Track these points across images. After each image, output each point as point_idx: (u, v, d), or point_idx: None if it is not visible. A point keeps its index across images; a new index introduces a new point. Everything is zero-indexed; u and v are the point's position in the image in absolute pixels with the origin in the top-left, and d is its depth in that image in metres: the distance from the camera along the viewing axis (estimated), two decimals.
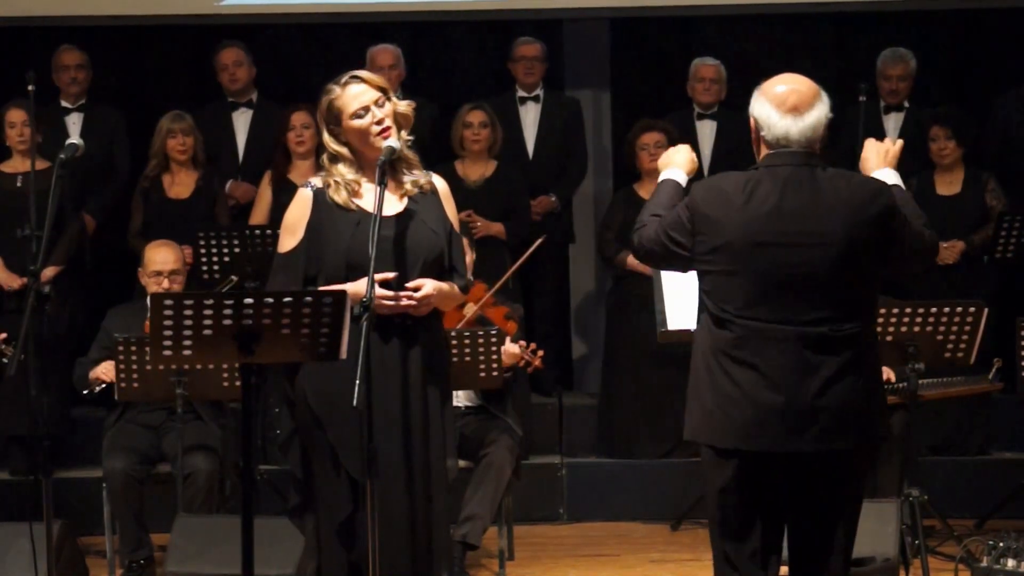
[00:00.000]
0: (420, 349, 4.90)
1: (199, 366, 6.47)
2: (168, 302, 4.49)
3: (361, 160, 4.94)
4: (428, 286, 4.87)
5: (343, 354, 4.57)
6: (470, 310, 6.83)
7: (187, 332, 4.49)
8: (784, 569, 4.54)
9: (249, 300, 4.49)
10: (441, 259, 4.96)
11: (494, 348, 6.54)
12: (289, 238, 4.93)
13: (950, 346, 6.60)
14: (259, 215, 8.18)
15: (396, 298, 4.83)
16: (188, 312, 4.47)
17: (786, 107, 4.41)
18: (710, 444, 4.46)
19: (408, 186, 4.96)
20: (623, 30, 9.53)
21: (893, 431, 6.33)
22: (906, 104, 8.67)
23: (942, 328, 6.55)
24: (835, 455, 4.37)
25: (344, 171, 4.92)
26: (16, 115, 7.94)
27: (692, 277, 4.57)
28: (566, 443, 8.21)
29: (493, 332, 6.56)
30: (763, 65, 9.35)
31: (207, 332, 4.49)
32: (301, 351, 4.60)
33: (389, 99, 4.94)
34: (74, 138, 5.43)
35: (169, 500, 6.80)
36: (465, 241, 5.56)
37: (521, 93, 8.89)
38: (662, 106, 8.96)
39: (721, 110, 8.75)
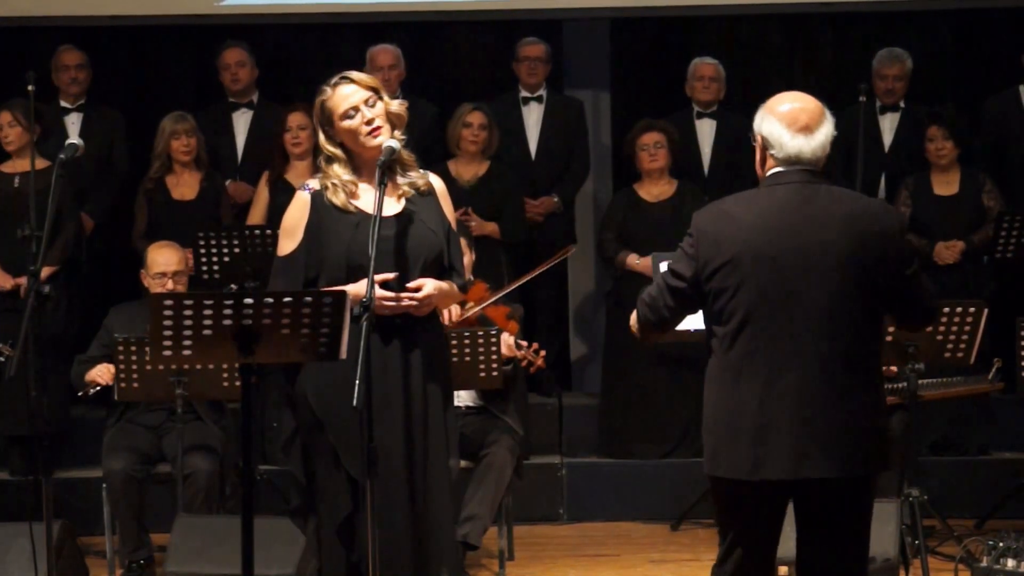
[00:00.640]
0: (421, 349, 4.90)
1: (199, 366, 6.47)
2: (168, 302, 4.48)
3: (356, 161, 4.94)
4: (429, 286, 4.87)
5: (343, 354, 4.56)
6: (471, 309, 6.82)
7: (187, 332, 4.48)
8: (784, 569, 4.53)
9: (249, 300, 4.48)
10: (441, 259, 4.97)
11: (494, 348, 6.53)
12: (288, 241, 4.93)
13: (950, 346, 6.60)
14: (256, 215, 8.17)
15: (397, 299, 4.83)
16: (188, 312, 4.46)
17: (797, 126, 4.38)
18: (724, 477, 4.37)
19: (405, 186, 4.96)
20: (623, 30, 9.52)
21: (893, 431, 6.31)
22: (902, 104, 8.67)
23: (942, 328, 6.55)
24: (846, 481, 4.30)
25: (340, 172, 4.92)
26: (3, 116, 7.92)
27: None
28: (566, 443, 8.21)
29: (493, 332, 6.55)
30: (763, 65, 9.49)
31: (207, 332, 4.48)
32: (301, 351, 4.60)
33: (381, 98, 4.94)
34: (74, 138, 5.43)
35: (169, 500, 6.81)
36: (464, 241, 5.57)
37: (524, 93, 8.88)
38: (662, 106, 8.96)
39: (720, 109, 8.75)
